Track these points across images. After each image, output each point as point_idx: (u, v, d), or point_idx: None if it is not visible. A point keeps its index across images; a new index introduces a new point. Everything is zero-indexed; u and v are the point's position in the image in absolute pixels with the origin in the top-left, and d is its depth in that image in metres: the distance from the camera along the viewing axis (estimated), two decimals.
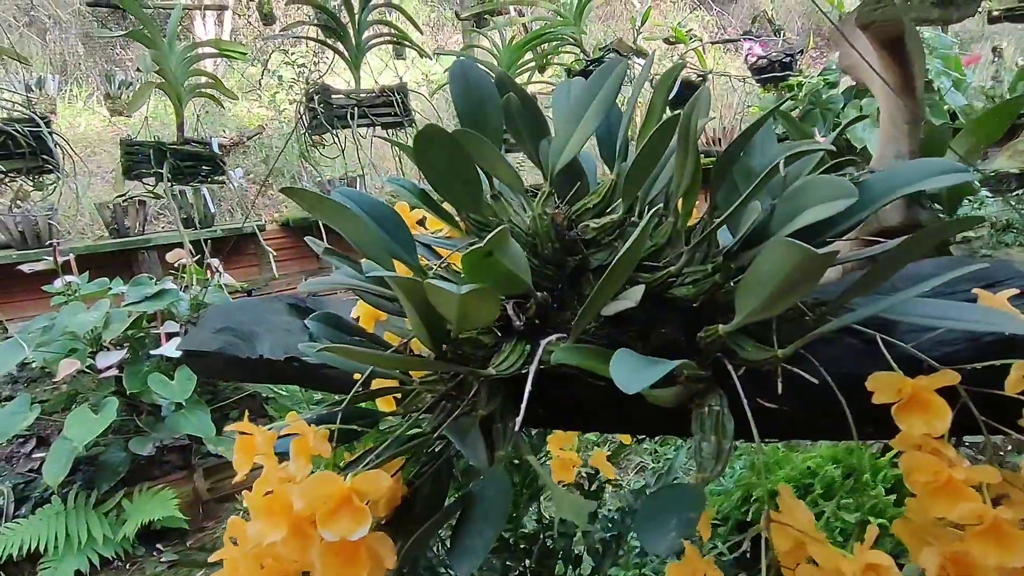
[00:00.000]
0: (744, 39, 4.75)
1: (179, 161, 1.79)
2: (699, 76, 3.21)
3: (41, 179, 2.19)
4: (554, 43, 2.75)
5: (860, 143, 3.56)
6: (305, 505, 0.36)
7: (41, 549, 1.94)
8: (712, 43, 5.41)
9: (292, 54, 4.13)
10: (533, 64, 2.67)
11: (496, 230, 0.40)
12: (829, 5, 5.76)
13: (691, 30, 4.49)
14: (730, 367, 0.44)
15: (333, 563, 0.36)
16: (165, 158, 1.76)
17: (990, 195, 3.56)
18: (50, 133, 1.68)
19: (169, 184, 1.82)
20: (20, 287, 2.50)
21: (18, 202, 2.45)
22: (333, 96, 2.08)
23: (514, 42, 2.48)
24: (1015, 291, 0.41)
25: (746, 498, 1.91)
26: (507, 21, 2.79)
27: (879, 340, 0.42)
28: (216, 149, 1.89)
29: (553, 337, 0.48)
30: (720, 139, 4.70)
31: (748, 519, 1.83)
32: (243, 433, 0.45)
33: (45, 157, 1.69)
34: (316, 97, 2.09)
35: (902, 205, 0.69)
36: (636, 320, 0.48)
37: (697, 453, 0.44)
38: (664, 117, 0.52)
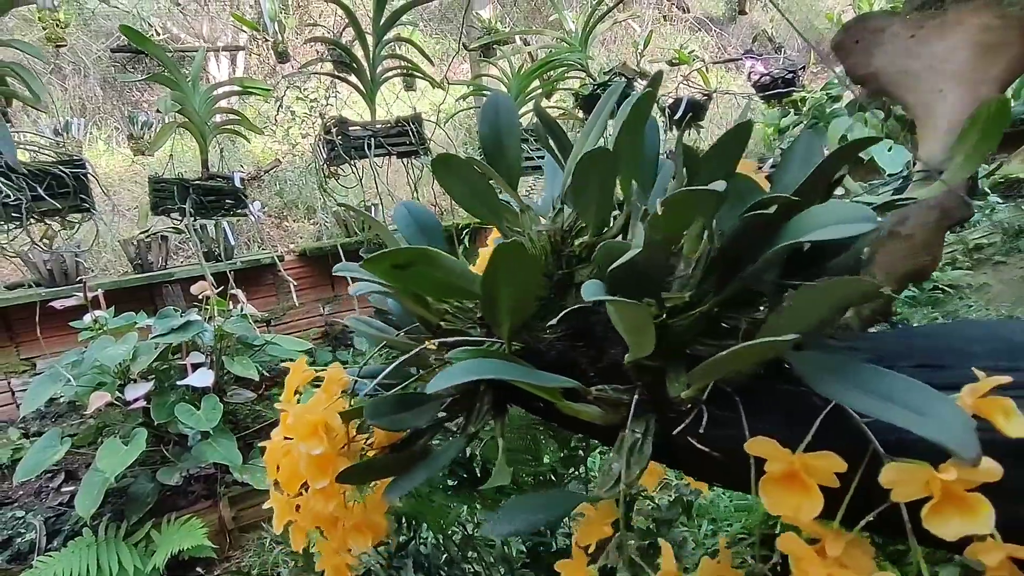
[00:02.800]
0: (745, 57, 4.83)
1: (202, 196, 1.86)
2: (704, 95, 3.27)
3: (69, 219, 2.25)
4: (560, 69, 2.82)
5: (866, 155, 3.60)
6: (293, 424, 0.53)
7: None
8: (714, 63, 5.49)
9: (305, 90, 4.25)
10: (540, 92, 2.74)
11: (416, 248, 0.48)
12: (828, 21, 5.85)
13: (693, 51, 4.57)
14: (639, 398, 0.47)
15: (310, 466, 0.53)
16: (188, 194, 1.82)
17: (1001, 201, 3.57)
18: (86, 175, 1.75)
19: (192, 218, 1.88)
20: (46, 324, 2.56)
21: (46, 240, 2.52)
22: (350, 128, 2.15)
23: (522, 70, 2.55)
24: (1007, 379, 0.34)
25: (768, 516, 1.90)
26: (514, 50, 2.87)
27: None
28: (238, 183, 1.95)
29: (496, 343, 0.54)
30: None
31: (775, 532, 1.82)
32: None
33: (83, 196, 1.75)
34: (334, 129, 2.16)
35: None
36: (592, 338, 0.52)
37: (603, 470, 0.48)
38: (597, 140, 0.57)
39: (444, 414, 0.58)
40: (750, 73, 4.05)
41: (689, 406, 0.44)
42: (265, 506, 0.58)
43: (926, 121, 0.55)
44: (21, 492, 2.48)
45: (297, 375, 0.60)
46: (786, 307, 0.39)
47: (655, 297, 0.46)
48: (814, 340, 0.44)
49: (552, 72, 2.86)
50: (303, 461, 0.53)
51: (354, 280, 0.66)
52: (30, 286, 2.74)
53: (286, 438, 0.56)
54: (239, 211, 1.94)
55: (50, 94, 5.10)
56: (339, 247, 2.38)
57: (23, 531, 2.12)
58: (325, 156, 2.25)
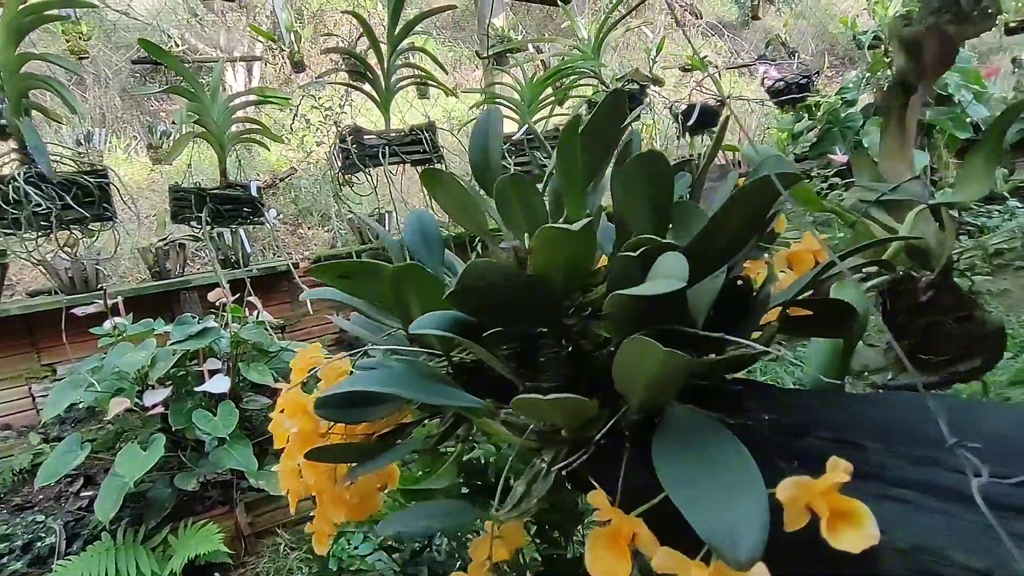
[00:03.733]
0: (759, 63, 4.81)
1: (220, 205, 1.89)
2: (717, 101, 3.27)
3: (90, 227, 2.29)
4: (572, 76, 2.84)
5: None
6: (283, 402, 0.57)
7: None
8: (727, 68, 5.48)
9: (320, 98, 4.30)
10: (551, 100, 2.75)
11: (359, 261, 0.51)
12: (842, 25, 5.81)
13: (705, 57, 4.56)
14: (543, 428, 0.48)
15: (294, 441, 0.56)
16: (206, 203, 1.85)
17: (1020, 206, 3.52)
18: (108, 184, 1.79)
19: (209, 226, 1.91)
20: (68, 330, 2.60)
21: (68, 248, 2.57)
22: (365, 137, 2.17)
23: (535, 78, 2.56)
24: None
25: None
26: (527, 58, 2.89)
27: None
28: (255, 192, 1.98)
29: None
30: (740, 162, 4.73)
31: None
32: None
33: (105, 205, 1.79)
34: (349, 138, 2.18)
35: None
36: (529, 361, 0.54)
37: (509, 493, 0.49)
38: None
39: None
40: (764, 78, 4.04)
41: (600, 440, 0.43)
42: (283, 488, 0.60)
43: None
44: (41, 496, 2.52)
45: (304, 360, 0.62)
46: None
47: (550, 326, 0.48)
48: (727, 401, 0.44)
49: (565, 80, 2.88)
50: (289, 436, 0.57)
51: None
52: (51, 293, 2.79)
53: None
54: (256, 219, 1.97)
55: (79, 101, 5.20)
56: (352, 255, 2.39)
57: (43, 535, 2.15)
58: (340, 164, 2.27)
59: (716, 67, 3.71)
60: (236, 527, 2.30)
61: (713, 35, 8.25)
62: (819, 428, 0.40)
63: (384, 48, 2.19)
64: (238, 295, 2.51)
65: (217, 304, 2.47)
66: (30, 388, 2.91)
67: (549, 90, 2.92)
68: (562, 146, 0.54)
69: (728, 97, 3.42)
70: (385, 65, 2.20)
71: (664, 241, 0.42)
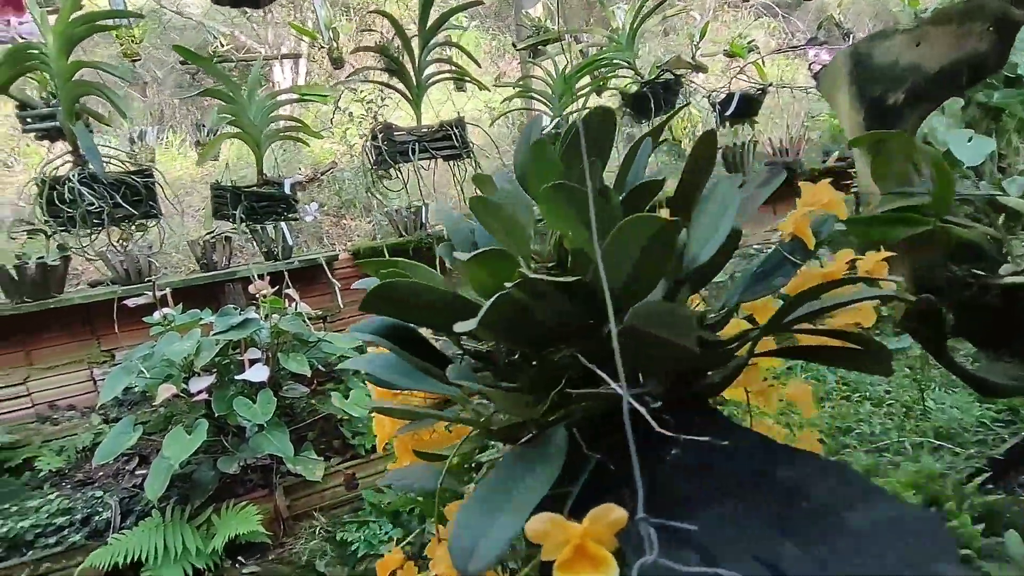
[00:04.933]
0: (808, 46, 4.61)
1: (255, 202, 1.96)
2: (758, 89, 3.16)
3: (143, 222, 2.42)
4: (607, 68, 2.80)
5: (943, 146, 3.38)
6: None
7: (143, 559, 2.12)
8: (775, 53, 5.28)
9: (360, 91, 4.38)
10: (588, 89, 2.72)
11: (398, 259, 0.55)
12: (901, 4, 5.49)
13: (752, 40, 4.41)
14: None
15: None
16: (241, 200, 1.93)
17: None
18: (154, 183, 1.89)
19: (244, 223, 1.99)
20: (124, 318, 2.76)
21: (122, 242, 2.72)
22: (395, 134, 2.21)
23: (566, 70, 2.54)
24: None
25: None
26: (559, 50, 2.87)
27: None
28: (288, 190, 2.05)
29: None
30: (787, 149, 4.57)
31: None
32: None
33: (151, 203, 1.90)
34: (380, 135, 2.23)
35: None
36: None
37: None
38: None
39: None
40: (812, 63, 3.87)
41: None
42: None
43: None
44: (101, 473, 2.70)
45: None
46: None
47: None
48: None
49: (600, 71, 2.84)
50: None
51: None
52: (108, 284, 2.97)
53: None
54: (290, 216, 2.04)
55: (132, 101, 5.48)
56: (384, 248, 2.46)
57: (100, 510, 2.31)
58: (373, 160, 2.32)
59: (759, 53, 3.58)
60: (275, 509, 2.41)
61: (765, 14, 7.94)
62: (706, 477, 0.40)
63: (415, 44, 2.22)
64: (277, 287, 2.61)
65: (258, 296, 2.58)
66: (91, 372, 3.11)
67: (586, 79, 2.89)
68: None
69: (769, 84, 3.30)
70: (416, 62, 2.23)
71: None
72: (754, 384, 0.59)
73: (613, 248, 0.45)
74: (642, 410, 0.41)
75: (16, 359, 2.97)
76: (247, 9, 1.85)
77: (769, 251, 0.58)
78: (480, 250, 0.50)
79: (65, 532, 2.23)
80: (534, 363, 0.58)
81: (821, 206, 0.56)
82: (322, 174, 3.99)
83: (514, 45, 3.52)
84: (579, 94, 2.78)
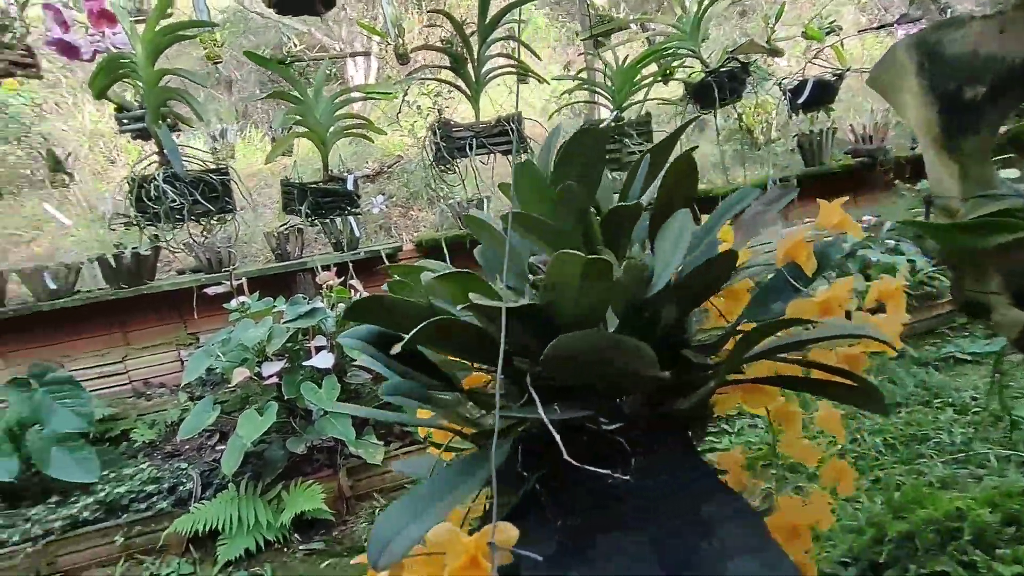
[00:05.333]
0: (898, 25, 4.30)
1: (319, 198, 2.07)
2: (835, 75, 2.98)
3: (224, 216, 2.58)
4: (670, 57, 2.73)
5: None
6: None
7: (220, 528, 2.30)
8: (860, 33, 4.94)
9: (427, 85, 4.48)
10: (650, 80, 2.66)
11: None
12: None
13: (834, 20, 4.15)
14: None
15: None
16: (306, 197, 2.04)
17: None
18: (229, 181, 2.03)
19: (309, 218, 2.10)
20: (207, 304, 2.97)
21: (204, 234, 2.92)
22: (453, 130, 2.26)
23: (626, 62, 2.49)
24: None
25: (879, 539, 1.75)
26: (628, 38, 2.81)
27: None
28: (350, 186, 2.14)
29: None
30: (871, 136, 4.28)
31: (881, 560, 1.67)
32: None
33: (227, 199, 2.04)
34: (438, 132, 2.28)
35: None
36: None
37: None
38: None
39: None
40: None
41: None
42: None
43: None
44: (187, 447, 2.94)
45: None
46: None
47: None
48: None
49: (663, 60, 2.77)
50: None
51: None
52: (193, 272, 3.20)
53: None
54: (353, 211, 2.14)
55: (215, 100, 5.85)
56: (442, 242, 2.51)
57: (184, 481, 2.51)
58: (433, 156, 2.38)
59: (839, 34, 3.36)
60: (338, 489, 2.54)
61: None
62: (624, 504, 0.41)
63: (474, 41, 2.25)
64: (343, 277, 2.73)
65: (324, 286, 2.71)
66: (179, 353, 3.37)
67: (652, 67, 2.82)
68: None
69: (847, 69, 3.10)
70: (475, 58, 2.26)
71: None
72: (770, 404, 0.58)
73: (555, 280, 0.47)
74: (555, 434, 0.43)
75: (115, 340, 3.27)
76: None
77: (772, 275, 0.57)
78: (445, 271, 0.53)
79: (154, 499, 2.45)
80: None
81: (832, 227, 0.53)
82: (388, 168, 4.11)
83: (577, 35, 3.48)
84: (640, 85, 2.72)
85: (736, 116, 3.33)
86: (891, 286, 0.51)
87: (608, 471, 0.46)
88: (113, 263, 2.92)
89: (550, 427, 0.46)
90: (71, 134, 5.34)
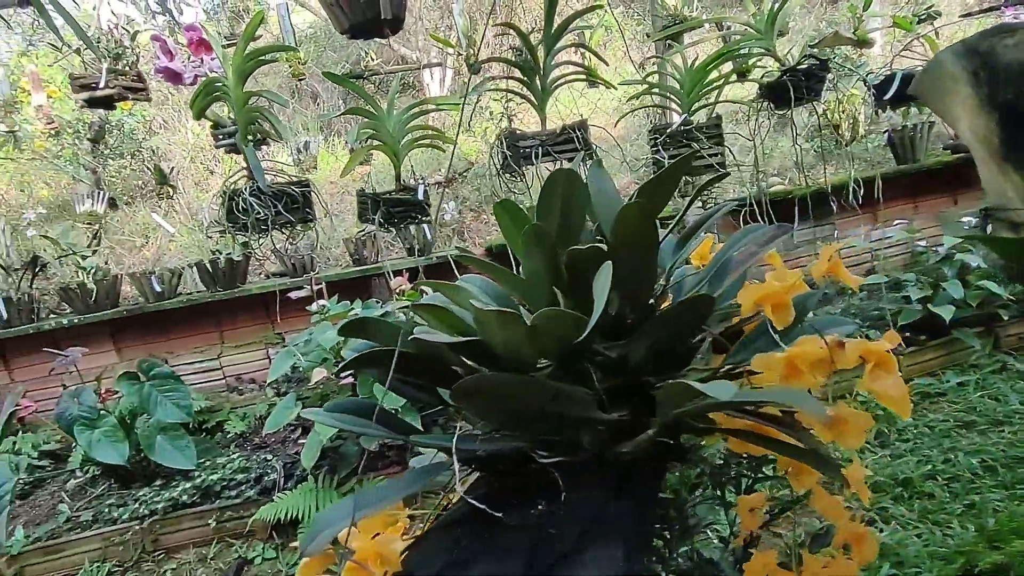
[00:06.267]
0: (1006, 7, 3.94)
1: (391, 208, 2.17)
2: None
3: (306, 224, 2.75)
4: (744, 56, 2.63)
5: None
6: None
7: (299, 517, 2.46)
8: (966, 16, 4.55)
9: (497, 93, 4.55)
10: (721, 82, 2.58)
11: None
12: None
13: (932, 6, 3.86)
14: None
15: None
16: (379, 207, 2.14)
17: None
18: (310, 192, 2.18)
19: (383, 226, 2.21)
20: (292, 306, 3.17)
21: (289, 242, 3.12)
22: (519, 140, 2.30)
23: (696, 63, 2.44)
24: None
25: (970, 570, 1.63)
26: (691, 42, 2.75)
27: None
28: (421, 195, 2.23)
29: None
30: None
31: None
32: None
33: (308, 211, 2.19)
34: (504, 141, 2.33)
35: None
36: None
37: None
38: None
39: None
40: None
41: None
42: None
43: None
44: (272, 439, 3.16)
45: None
46: None
47: None
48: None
49: (736, 60, 2.69)
50: None
51: None
52: (280, 276, 3.42)
53: None
54: (424, 219, 2.23)
55: (302, 113, 6.21)
56: (508, 247, 2.55)
57: (269, 471, 2.70)
58: (499, 166, 2.43)
59: (932, 22, 3.12)
60: None
61: None
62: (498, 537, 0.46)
63: (540, 51, 2.28)
64: (416, 282, 2.84)
65: (398, 290, 2.83)
66: (267, 351, 3.62)
67: (727, 65, 2.74)
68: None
69: None
70: (540, 67, 2.29)
71: None
72: (754, 452, 0.58)
73: (494, 325, 0.50)
74: (456, 466, 0.47)
75: (212, 338, 3.55)
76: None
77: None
78: (422, 301, 0.58)
79: (243, 487, 2.65)
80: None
81: (821, 275, 0.51)
82: (460, 174, 4.22)
83: (648, 35, 3.43)
84: (712, 87, 2.65)
85: (820, 113, 3.16)
86: (877, 348, 0.46)
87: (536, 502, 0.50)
88: (210, 268, 3.18)
89: (454, 460, 0.51)
90: (176, 148, 5.83)
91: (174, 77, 2.10)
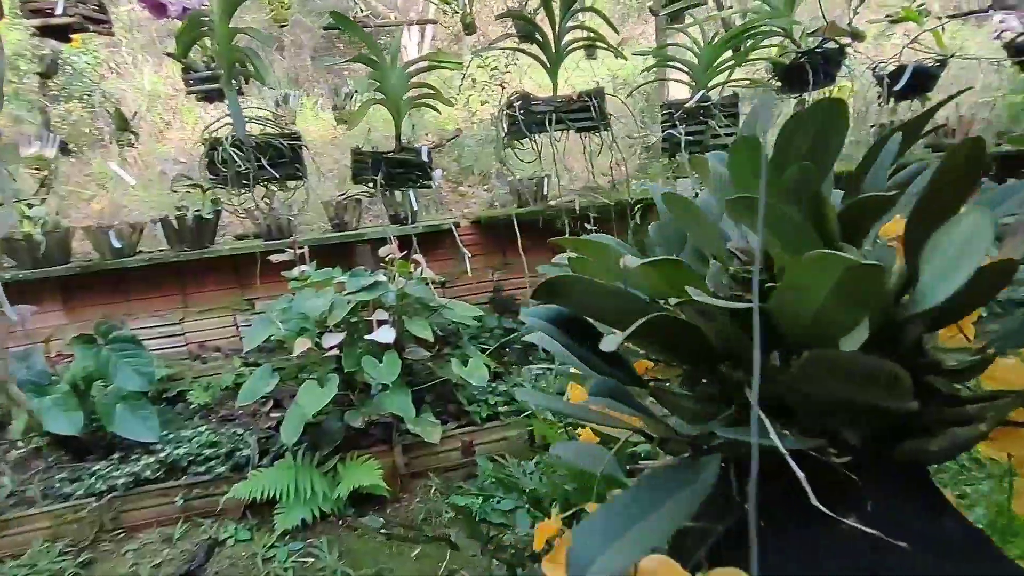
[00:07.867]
0: (993, 10, 4.01)
1: (393, 168, 2.00)
2: (937, 61, 2.77)
3: (286, 183, 2.54)
4: (758, 36, 2.56)
5: None
6: None
7: (277, 496, 2.30)
8: (950, 17, 4.63)
9: (486, 58, 4.36)
10: (733, 61, 2.50)
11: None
12: None
13: (923, 4, 3.89)
14: None
15: None
16: (381, 166, 1.97)
17: None
18: (301, 146, 1.97)
19: (383, 188, 2.05)
20: (264, 271, 2.96)
21: (266, 201, 2.89)
22: (533, 104, 2.16)
23: (716, 38, 2.35)
24: None
25: None
26: (706, 17, 2.65)
27: None
28: (425, 157, 2.07)
29: None
30: (954, 130, 4.04)
31: None
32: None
33: (297, 165, 1.99)
34: (517, 104, 2.18)
35: None
36: None
37: None
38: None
39: None
40: (1001, 31, 3.35)
41: None
42: None
43: None
44: (241, 412, 2.95)
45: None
46: None
47: None
48: None
49: (751, 40, 2.61)
50: None
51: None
52: (252, 238, 3.19)
53: None
54: (425, 183, 2.07)
55: (278, 65, 5.83)
56: (514, 217, 2.43)
57: (241, 447, 2.52)
58: (507, 129, 2.29)
59: (939, 18, 3.13)
60: (393, 465, 2.52)
61: None
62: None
63: (556, 10, 2.14)
64: (405, 252, 2.68)
65: (386, 259, 2.66)
66: (235, 318, 3.38)
67: (730, 52, 2.67)
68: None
69: (950, 56, 2.89)
70: (556, 28, 2.15)
71: None
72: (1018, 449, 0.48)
73: (796, 281, 0.38)
74: (795, 468, 0.35)
75: (174, 301, 3.29)
76: None
77: None
78: (650, 259, 0.46)
79: (212, 463, 2.46)
80: (704, 380, 0.54)
81: None
82: (448, 141, 4.04)
83: (651, 10, 3.32)
84: (723, 67, 2.57)
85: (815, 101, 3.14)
86: None
87: (843, 518, 0.38)
88: (176, 225, 2.92)
89: (789, 460, 0.39)
90: (131, 94, 5.39)
91: (158, 8, 1.86)
